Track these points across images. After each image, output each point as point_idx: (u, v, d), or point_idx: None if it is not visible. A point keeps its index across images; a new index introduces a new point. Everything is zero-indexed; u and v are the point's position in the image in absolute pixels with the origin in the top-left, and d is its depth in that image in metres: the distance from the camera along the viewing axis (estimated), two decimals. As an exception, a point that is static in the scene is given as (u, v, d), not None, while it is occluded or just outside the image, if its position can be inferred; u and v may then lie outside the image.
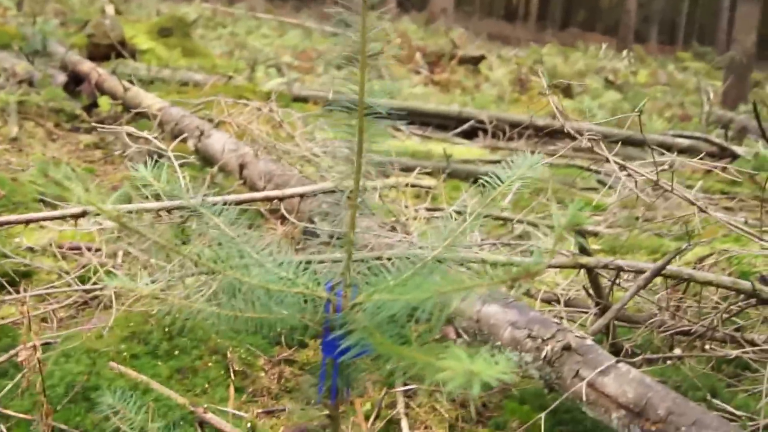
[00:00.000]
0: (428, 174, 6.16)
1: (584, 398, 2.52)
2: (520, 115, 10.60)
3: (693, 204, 3.03)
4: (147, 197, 1.63)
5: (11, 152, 6.33)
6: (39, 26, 9.24)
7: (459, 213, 2.03)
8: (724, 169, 7.53)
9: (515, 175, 2.11)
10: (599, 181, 7.60)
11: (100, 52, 10.82)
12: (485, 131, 9.77)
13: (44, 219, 3.02)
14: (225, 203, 2.00)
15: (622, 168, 3.10)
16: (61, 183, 1.30)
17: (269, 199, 3.59)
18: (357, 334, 1.79)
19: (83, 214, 3.06)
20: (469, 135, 9.91)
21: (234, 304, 1.95)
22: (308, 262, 1.96)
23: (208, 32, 18.86)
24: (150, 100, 6.81)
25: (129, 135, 4.78)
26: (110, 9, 15.29)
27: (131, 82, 7.65)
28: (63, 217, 3.05)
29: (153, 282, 1.97)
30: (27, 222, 2.97)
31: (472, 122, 9.89)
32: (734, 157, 8.19)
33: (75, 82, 8.67)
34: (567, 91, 13.39)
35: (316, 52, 17.22)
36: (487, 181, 2.04)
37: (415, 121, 9.63)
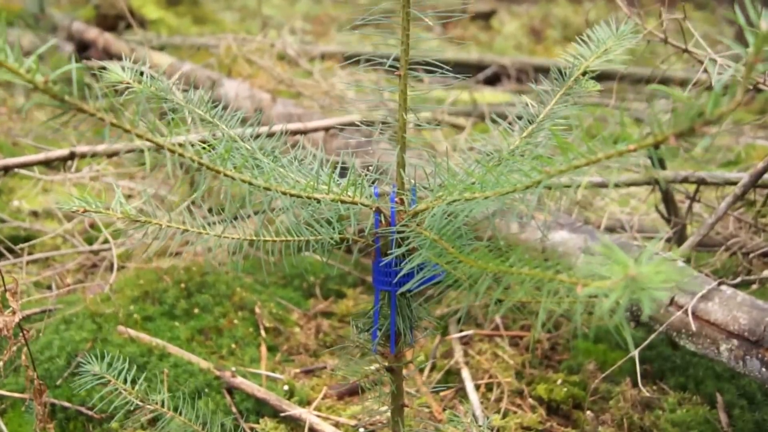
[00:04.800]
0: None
1: (693, 328, 2.08)
2: (543, 59, 10.11)
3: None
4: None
5: (15, 121, 5.94)
6: (33, -14, 8.81)
7: (540, 103, 1.59)
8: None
9: (601, 49, 1.67)
10: (636, 118, 7.27)
11: (108, 23, 10.39)
12: (508, 76, 9.33)
13: (27, 164, 2.59)
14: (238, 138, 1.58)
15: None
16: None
17: (290, 133, 3.15)
18: (422, 253, 1.32)
19: (71, 156, 2.63)
20: (491, 82, 9.46)
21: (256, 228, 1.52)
22: (345, 168, 1.51)
23: (219, 5, 18.40)
24: (158, 59, 6.38)
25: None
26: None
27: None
28: (48, 161, 2.62)
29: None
30: (6, 169, 2.55)
31: (494, 68, 9.42)
32: (758, 90, 7.75)
33: (82, 50, 8.29)
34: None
35: (329, 17, 16.75)
36: (567, 61, 1.62)
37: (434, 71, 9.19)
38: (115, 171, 3.91)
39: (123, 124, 1.11)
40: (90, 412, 2.24)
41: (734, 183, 2.68)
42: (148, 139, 1.15)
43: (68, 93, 1.02)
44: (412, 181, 1.50)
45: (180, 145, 1.20)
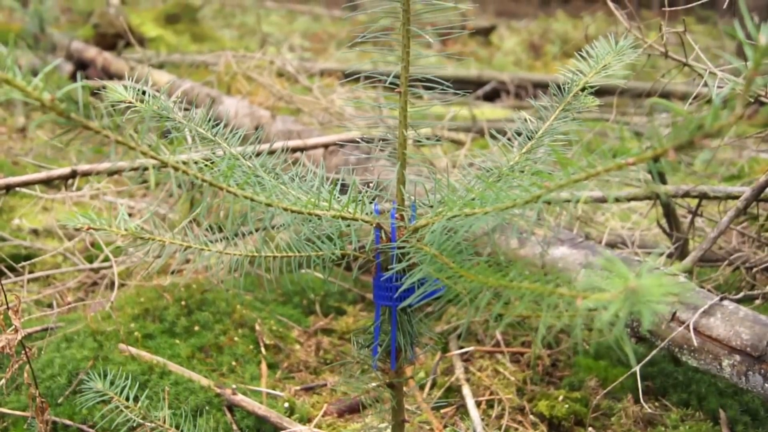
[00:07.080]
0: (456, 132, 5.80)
1: (695, 344, 2.07)
2: (542, 74, 10.13)
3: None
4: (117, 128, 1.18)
5: (15, 140, 5.96)
6: (34, 6, 8.81)
7: (539, 119, 1.60)
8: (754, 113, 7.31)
9: (600, 65, 1.67)
10: (636, 132, 7.29)
11: (107, 42, 10.41)
12: (507, 92, 9.35)
13: (29, 183, 2.59)
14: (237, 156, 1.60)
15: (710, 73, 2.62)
16: None
17: (290, 150, 3.15)
18: (422, 268, 1.32)
19: (72, 174, 2.63)
20: (491, 98, 9.47)
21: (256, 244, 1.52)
22: (345, 185, 1.51)
23: (217, 22, 18.47)
24: (157, 76, 6.40)
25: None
26: (115, -2, 14.86)
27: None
28: (50, 180, 2.61)
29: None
30: (8, 187, 2.54)
31: (493, 83, 9.44)
32: (761, 103, 7.76)
33: (81, 69, 8.29)
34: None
35: (327, 34, 16.82)
36: (566, 77, 1.63)
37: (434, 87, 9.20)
38: (115, 189, 3.91)
39: (128, 142, 1.11)
40: (92, 431, 2.24)
41: (736, 197, 2.68)
42: (152, 157, 1.15)
43: (74, 111, 1.02)
44: (412, 197, 1.50)
45: (184, 162, 1.20)
